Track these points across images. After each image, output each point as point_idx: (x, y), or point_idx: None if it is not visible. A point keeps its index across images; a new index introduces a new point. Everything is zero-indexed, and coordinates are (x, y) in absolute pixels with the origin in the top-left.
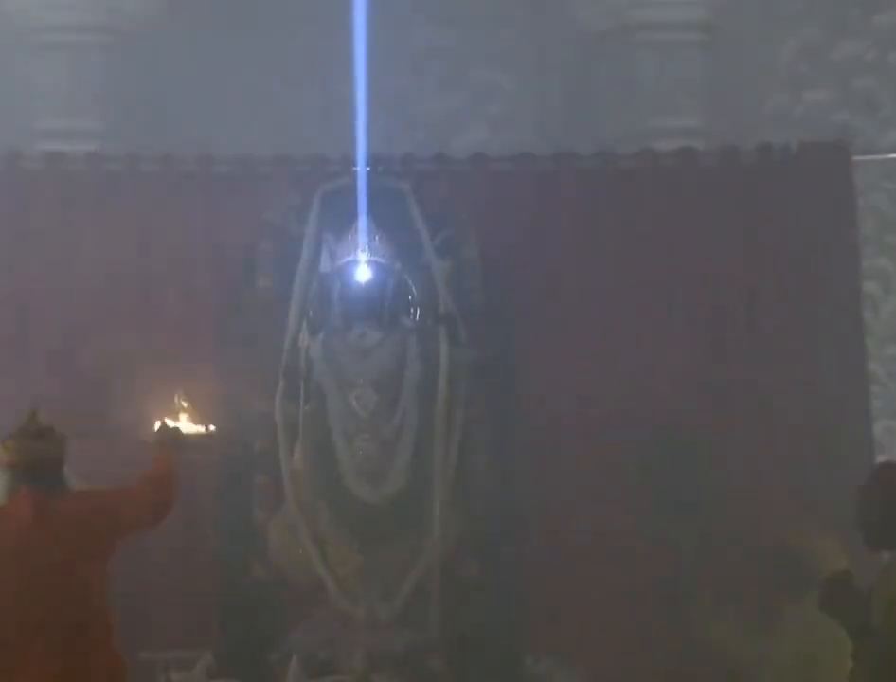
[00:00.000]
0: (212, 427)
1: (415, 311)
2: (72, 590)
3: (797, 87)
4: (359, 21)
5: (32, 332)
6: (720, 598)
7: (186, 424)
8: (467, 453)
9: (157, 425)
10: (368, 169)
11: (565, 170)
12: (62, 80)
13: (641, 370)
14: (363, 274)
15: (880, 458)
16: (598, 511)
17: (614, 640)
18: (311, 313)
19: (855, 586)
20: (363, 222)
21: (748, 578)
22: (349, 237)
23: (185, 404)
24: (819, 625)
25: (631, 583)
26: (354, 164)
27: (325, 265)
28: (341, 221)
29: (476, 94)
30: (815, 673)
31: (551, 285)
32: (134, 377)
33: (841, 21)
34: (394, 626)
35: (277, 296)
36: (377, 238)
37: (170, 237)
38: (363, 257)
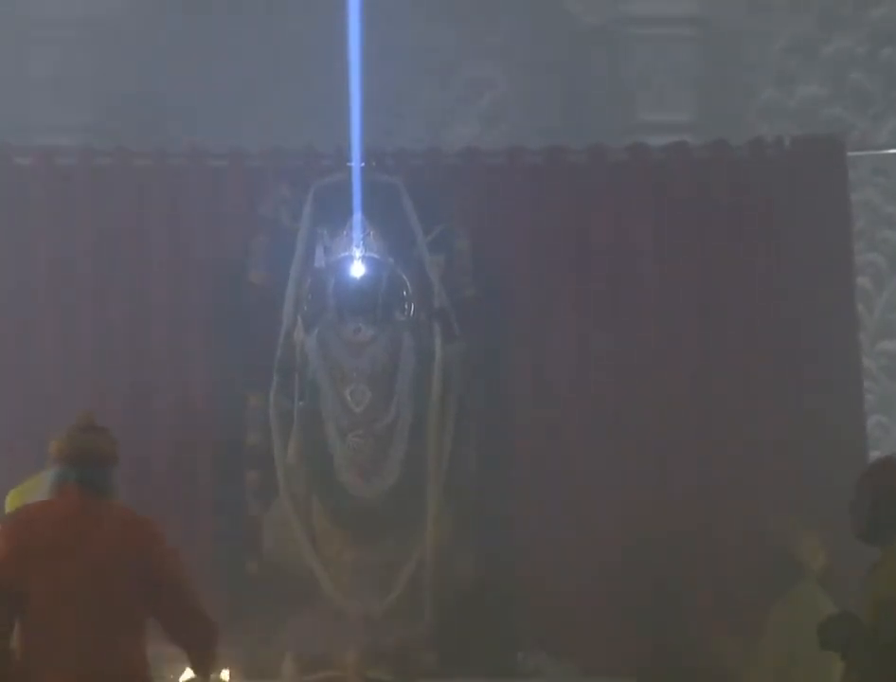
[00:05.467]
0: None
1: (409, 306)
2: (104, 592)
3: (789, 82)
4: (353, 15)
5: (28, 327)
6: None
7: None
8: (461, 447)
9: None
10: (363, 164)
11: (557, 165)
12: (53, 75)
13: (634, 362)
14: (357, 269)
15: (873, 453)
16: (591, 504)
17: (605, 636)
18: (305, 308)
19: (854, 623)
20: (357, 217)
21: (739, 573)
22: (344, 232)
23: None
24: (802, 623)
25: (623, 578)
26: (348, 158)
27: (319, 261)
28: (335, 216)
29: (469, 88)
30: (799, 671)
31: (544, 279)
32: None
33: (833, 15)
34: (387, 621)
35: (271, 292)
36: (371, 233)
37: (162, 231)
38: (357, 252)
